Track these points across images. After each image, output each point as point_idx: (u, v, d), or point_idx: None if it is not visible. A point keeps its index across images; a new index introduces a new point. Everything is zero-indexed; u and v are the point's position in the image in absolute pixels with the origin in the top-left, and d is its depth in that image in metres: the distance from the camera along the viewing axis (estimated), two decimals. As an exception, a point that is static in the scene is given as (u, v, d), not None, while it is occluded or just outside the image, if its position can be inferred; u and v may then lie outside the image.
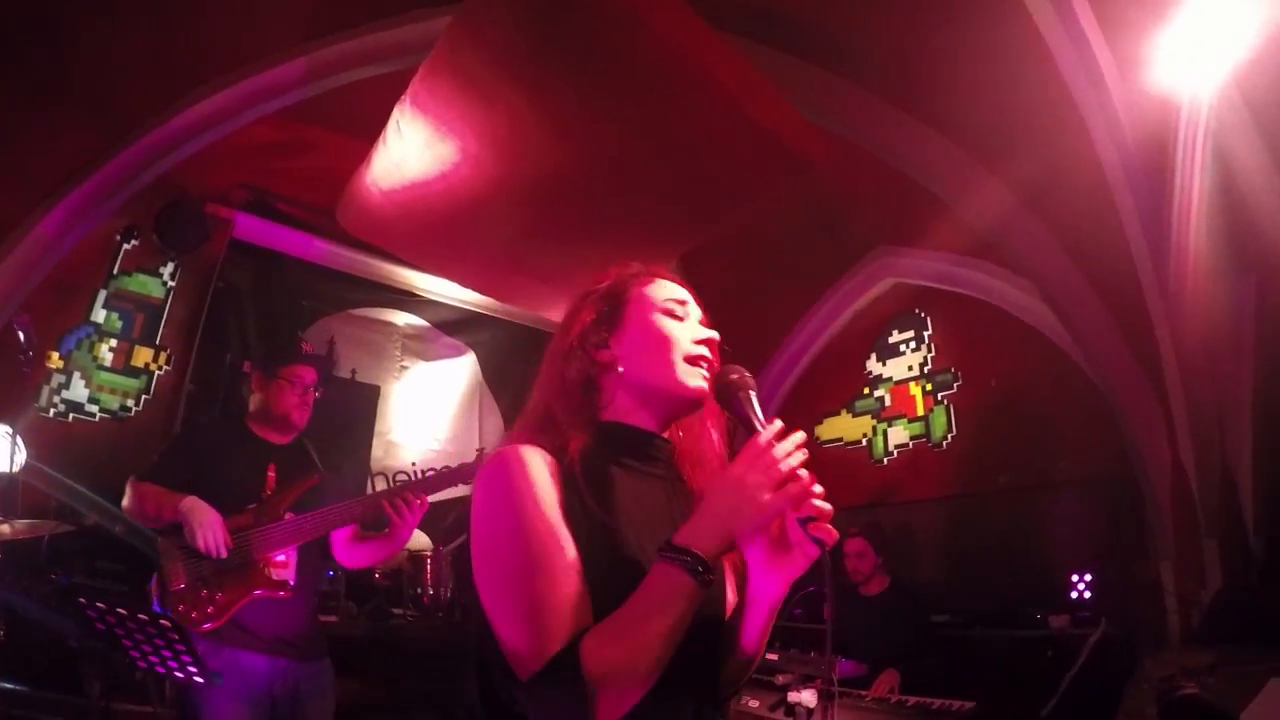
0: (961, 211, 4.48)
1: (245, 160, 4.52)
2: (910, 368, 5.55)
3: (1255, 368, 3.57)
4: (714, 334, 1.37)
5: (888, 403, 5.63)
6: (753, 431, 1.20)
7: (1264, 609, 3.26)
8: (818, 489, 1.14)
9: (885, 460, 5.54)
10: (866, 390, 5.73)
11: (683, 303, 1.38)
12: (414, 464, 5.37)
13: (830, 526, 1.14)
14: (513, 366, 5.92)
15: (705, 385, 1.32)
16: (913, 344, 5.56)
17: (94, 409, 4.34)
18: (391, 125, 3.67)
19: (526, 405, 1.38)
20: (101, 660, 2.92)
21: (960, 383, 5.26)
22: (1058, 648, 3.92)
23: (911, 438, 5.45)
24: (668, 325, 1.34)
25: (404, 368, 5.40)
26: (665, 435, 1.38)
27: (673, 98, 3.44)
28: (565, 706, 1.07)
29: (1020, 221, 4.24)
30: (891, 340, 5.68)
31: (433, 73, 3.36)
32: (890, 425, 5.58)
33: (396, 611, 4.63)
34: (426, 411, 5.47)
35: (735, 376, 1.27)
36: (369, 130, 3.94)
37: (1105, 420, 4.27)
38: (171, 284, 4.51)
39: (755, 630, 1.31)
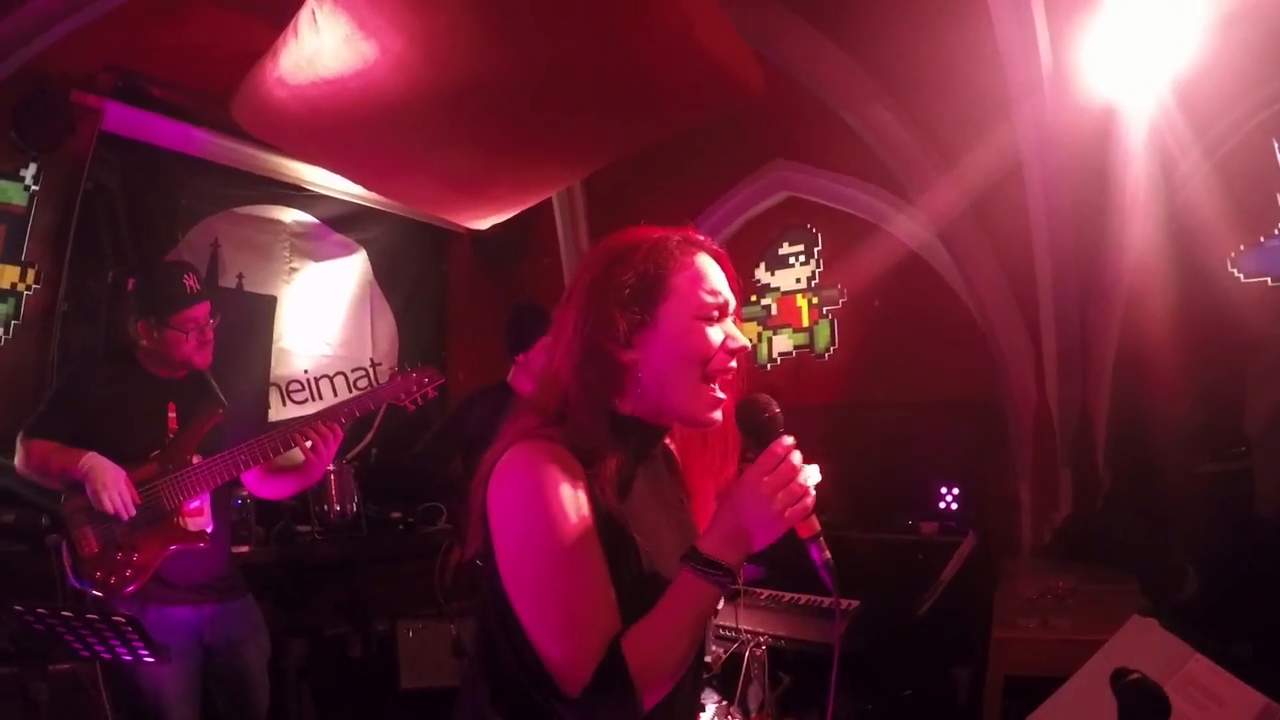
0: (868, 142, 4.66)
1: (114, 38, 3.88)
2: (798, 280, 5.82)
3: (1121, 327, 4.11)
4: (746, 344, 1.35)
5: (774, 311, 5.91)
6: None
7: (1106, 533, 3.93)
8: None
9: (769, 366, 5.88)
10: (754, 298, 5.96)
11: (723, 303, 1.33)
12: (306, 371, 5.12)
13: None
14: (403, 263, 5.67)
15: (719, 415, 1.33)
16: (802, 258, 5.81)
17: (-43, 343, 3.80)
18: (305, 18, 3.32)
19: (540, 382, 1.34)
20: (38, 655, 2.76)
21: (845, 299, 5.61)
22: (927, 552, 4.49)
23: (795, 347, 5.81)
24: (702, 336, 1.30)
25: (293, 269, 5.03)
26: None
27: (622, 13, 3.32)
28: (617, 710, 1.14)
29: (927, 164, 4.49)
30: (782, 252, 5.89)
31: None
32: (775, 333, 5.89)
33: (303, 529, 4.60)
34: (317, 315, 5.16)
35: (768, 416, 1.28)
36: (258, 3, 3.53)
37: (980, 352, 4.73)
38: (35, 188, 3.87)
39: None
